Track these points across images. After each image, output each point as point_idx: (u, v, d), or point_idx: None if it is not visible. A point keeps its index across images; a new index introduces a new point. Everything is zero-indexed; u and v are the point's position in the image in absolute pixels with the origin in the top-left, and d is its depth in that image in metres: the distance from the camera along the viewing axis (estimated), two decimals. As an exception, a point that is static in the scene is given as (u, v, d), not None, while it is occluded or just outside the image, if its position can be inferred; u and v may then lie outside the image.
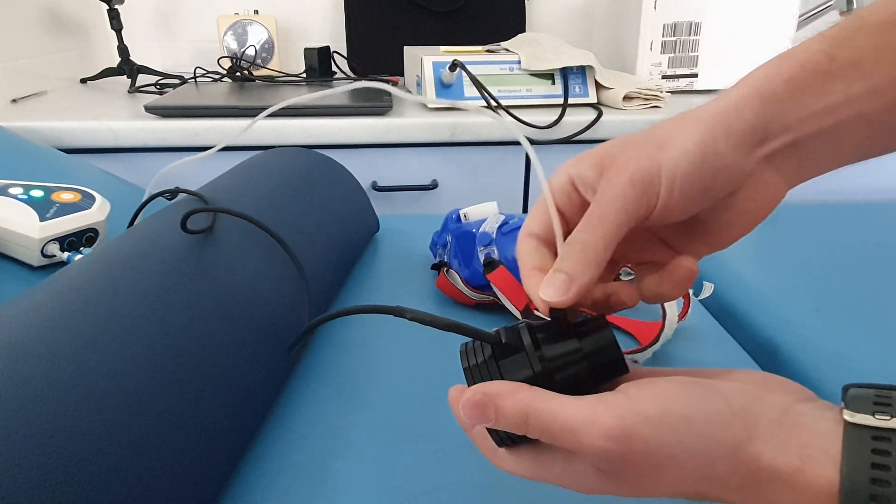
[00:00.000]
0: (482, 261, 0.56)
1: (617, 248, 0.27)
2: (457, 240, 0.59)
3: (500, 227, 0.57)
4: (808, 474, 0.22)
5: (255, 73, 1.31)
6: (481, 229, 0.57)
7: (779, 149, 0.27)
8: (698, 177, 0.27)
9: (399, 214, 0.86)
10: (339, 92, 0.68)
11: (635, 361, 0.47)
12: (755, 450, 0.23)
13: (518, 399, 0.25)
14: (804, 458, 0.22)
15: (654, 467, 0.24)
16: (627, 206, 0.26)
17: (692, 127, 0.27)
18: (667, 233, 0.31)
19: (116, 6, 1.18)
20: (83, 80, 1.29)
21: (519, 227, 0.59)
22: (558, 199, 0.29)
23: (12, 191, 0.55)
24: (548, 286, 0.27)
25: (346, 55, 1.38)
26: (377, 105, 1.01)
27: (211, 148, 0.47)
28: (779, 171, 0.28)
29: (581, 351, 0.27)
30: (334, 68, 1.36)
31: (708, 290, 0.57)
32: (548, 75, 1.07)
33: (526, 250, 0.30)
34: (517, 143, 1.00)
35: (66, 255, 0.54)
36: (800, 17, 1.28)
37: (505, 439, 0.28)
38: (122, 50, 1.22)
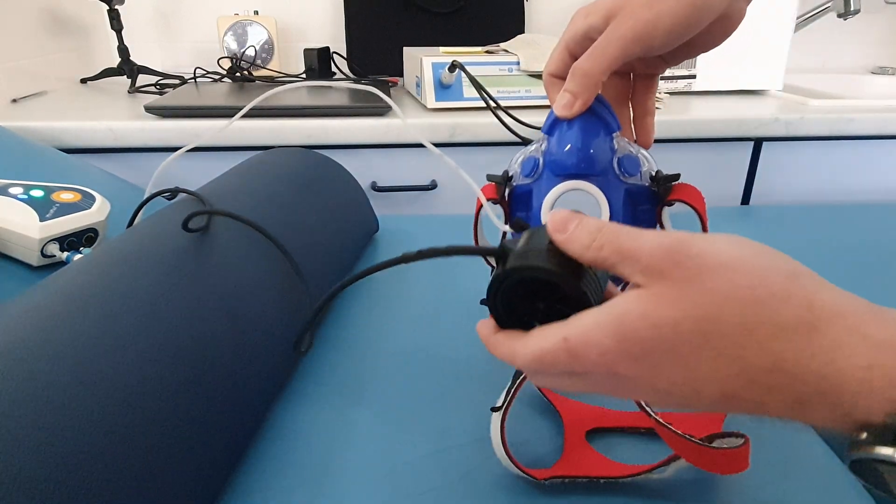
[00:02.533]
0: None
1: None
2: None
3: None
4: (873, 320, 0.22)
5: (255, 73, 1.31)
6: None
7: None
8: (691, 20, 0.34)
9: (399, 215, 0.86)
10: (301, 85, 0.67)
11: None
12: (812, 285, 0.24)
13: (594, 220, 0.28)
14: (863, 308, 0.23)
15: (705, 273, 0.24)
16: (626, 48, 0.34)
17: None
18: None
19: (116, 6, 1.18)
20: (83, 80, 1.29)
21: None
22: (575, 47, 0.37)
23: (12, 191, 0.55)
24: (558, 103, 0.36)
25: (345, 56, 1.38)
26: (377, 106, 1.01)
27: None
28: None
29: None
30: (334, 69, 1.36)
31: None
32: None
33: (550, 86, 0.39)
34: (517, 144, 1.00)
35: (65, 255, 0.54)
36: (798, 18, 1.28)
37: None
38: (123, 50, 1.22)
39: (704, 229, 0.35)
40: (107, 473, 0.29)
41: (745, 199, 1.13)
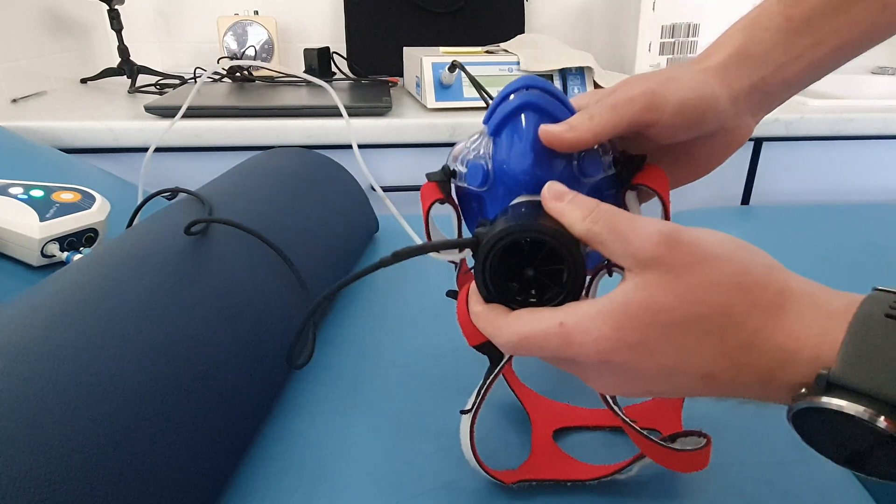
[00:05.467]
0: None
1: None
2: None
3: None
4: (831, 296, 0.25)
5: (255, 73, 1.31)
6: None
7: (757, 100, 0.36)
8: (696, 108, 0.33)
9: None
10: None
11: None
12: (784, 275, 0.26)
13: (589, 200, 0.29)
14: (826, 290, 0.26)
15: (697, 262, 0.25)
16: (635, 110, 0.32)
17: (695, 74, 0.34)
18: (659, 158, 0.37)
19: (116, 6, 1.18)
20: (83, 80, 1.29)
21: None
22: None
23: (12, 191, 0.55)
24: (549, 129, 0.31)
25: (345, 56, 1.38)
26: (377, 105, 1.01)
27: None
28: (752, 115, 0.36)
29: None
30: (334, 69, 1.36)
31: None
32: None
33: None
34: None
35: (65, 255, 0.54)
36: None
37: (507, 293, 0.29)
38: (123, 50, 1.22)
39: (666, 215, 0.34)
40: (106, 474, 0.29)
41: (745, 199, 1.13)
